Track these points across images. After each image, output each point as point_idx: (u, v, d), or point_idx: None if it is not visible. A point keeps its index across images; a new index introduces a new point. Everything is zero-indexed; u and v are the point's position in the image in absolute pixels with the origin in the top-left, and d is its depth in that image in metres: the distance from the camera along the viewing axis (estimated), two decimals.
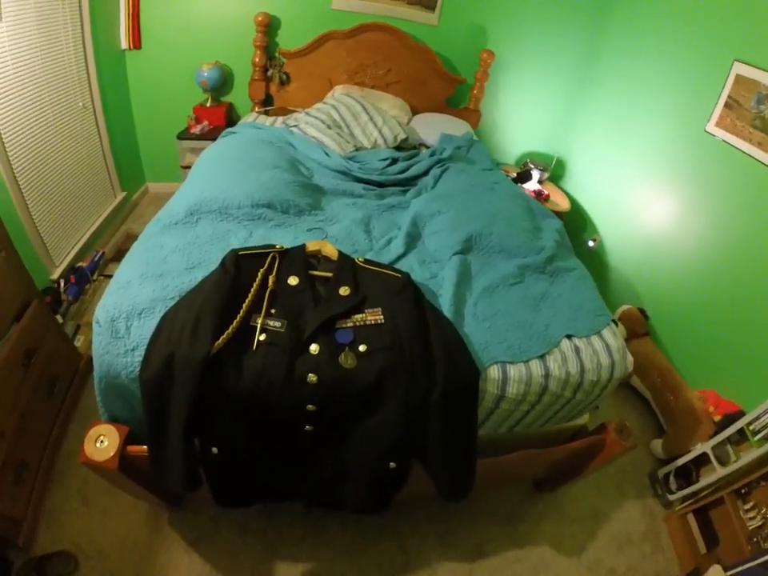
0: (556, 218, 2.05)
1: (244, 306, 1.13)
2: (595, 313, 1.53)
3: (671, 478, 1.91)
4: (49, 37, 2.07)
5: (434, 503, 1.58)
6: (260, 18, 2.60)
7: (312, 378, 1.07)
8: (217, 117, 2.91)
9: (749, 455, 1.60)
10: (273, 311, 1.15)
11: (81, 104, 2.39)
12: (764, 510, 1.50)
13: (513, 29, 2.94)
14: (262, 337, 1.10)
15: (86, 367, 1.91)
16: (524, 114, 3.33)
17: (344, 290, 1.24)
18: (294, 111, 2.78)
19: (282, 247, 1.32)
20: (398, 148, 2.53)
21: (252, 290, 1.17)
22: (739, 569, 1.42)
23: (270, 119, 2.61)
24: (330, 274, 1.30)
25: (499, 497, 1.84)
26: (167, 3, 2.62)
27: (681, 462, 1.88)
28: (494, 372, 1.29)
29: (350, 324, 1.18)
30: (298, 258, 1.31)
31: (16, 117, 1.93)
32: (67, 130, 2.32)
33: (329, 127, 2.44)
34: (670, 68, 2.36)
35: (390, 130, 2.52)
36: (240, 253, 1.26)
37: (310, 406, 1.08)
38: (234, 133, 2.33)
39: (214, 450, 1.11)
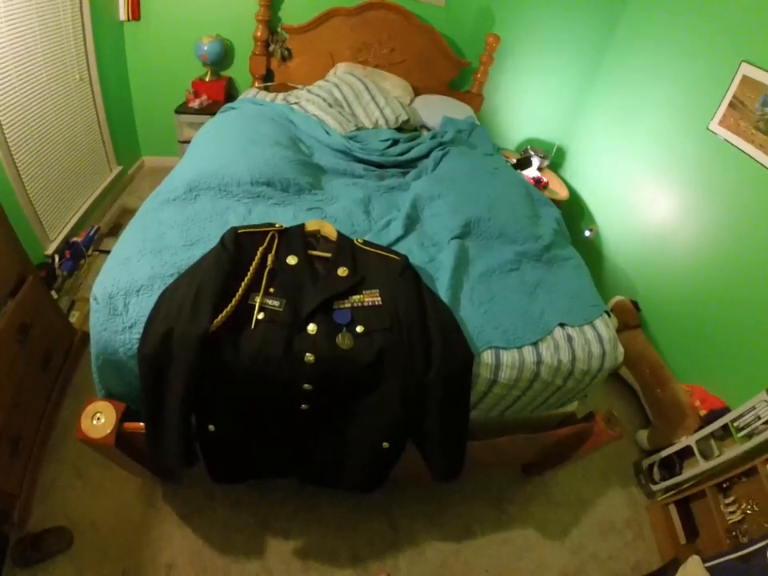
0: (555, 206, 2.05)
1: (243, 284, 1.12)
2: (589, 303, 1.55)
3: (655, 469, 1.94)
4: (46, 7, 2.00)
5: (425, 483, 1.61)
6: None
7: (309, 357, 1.07)
8: (216, 91, 2.86)
9: (732, 451, 1.63)
10: (271, 290, 1.16)
11: (78, 76, 2.33)
12: (744, 505, 1.53)
13: (521, 14, 2.88)
14: (261, 315, 1.10)
15: (81, 342, 1.92)
16: (527, 100, 3.29)
17: (342, 271, 1.24)
18: (294, 88, 2.73)
19: (282, 226, 1.32)
20: (399, 129, 2.50)
21: (251, 268, 1.17)
22: (717, 560, 1.45)
23: (271, 95, 2.56)
24: (328, 254, 1.30)
25: (488, 479, 1.88)
26: None
27: (665, 453, 1.92)
28: (487, 357, 1.31)
29: (347, 304, 1.19)
30: (297, 238, 1.30)
31: (11, 89, 1.88)
32: (63, 102, 2.26)
33: (330, 105, 2.41)
34: (679, 62, 2.34)
35: (392, 111, 2.48)
36: (239, 231, 1.25)
37: (306, 385, 1.09)
38: (233, 108, 2.29)
39: (211, 427, 1.12)
